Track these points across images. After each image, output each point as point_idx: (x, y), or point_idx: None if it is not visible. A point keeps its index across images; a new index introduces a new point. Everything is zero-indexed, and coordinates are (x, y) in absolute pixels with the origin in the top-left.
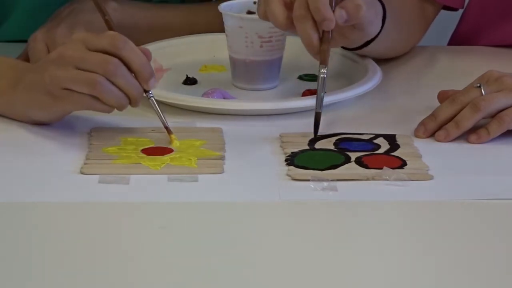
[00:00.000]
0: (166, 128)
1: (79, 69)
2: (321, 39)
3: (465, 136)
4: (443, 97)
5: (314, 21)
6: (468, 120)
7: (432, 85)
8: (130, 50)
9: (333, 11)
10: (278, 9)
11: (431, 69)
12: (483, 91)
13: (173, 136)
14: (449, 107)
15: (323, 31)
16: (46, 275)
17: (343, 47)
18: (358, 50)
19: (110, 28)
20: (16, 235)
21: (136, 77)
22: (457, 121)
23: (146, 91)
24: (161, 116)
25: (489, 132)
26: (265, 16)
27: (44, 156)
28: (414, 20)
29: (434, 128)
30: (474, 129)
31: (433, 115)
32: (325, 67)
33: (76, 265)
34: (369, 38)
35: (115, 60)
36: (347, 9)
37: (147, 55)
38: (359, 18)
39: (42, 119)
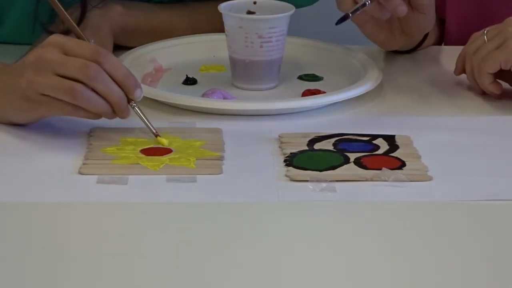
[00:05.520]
0: (154, 134)
1: (57, 74)
2: None
3: (465, 136)
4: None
5: None
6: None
7: (432, 85)
8: (111, 63)
9: None
10: None
11: (432, 69)
12: (486, 38)
13: (159, 138)
14: (461, 59)
15: None
16: (45, 275)
17: (398, 51)
18: (414, 51)
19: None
20: (14, 234)
21: (121, 89)
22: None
23: (129, 101)
24: (147, 124)
25: (479, 81)
26: None
27: (43, 156)
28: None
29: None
30: None
31: (460, 64)
32: None
33: (74, 265)
34: (431, 26)
35: (95, 65)
36: None
37: None
38: None
39: (20, 122)
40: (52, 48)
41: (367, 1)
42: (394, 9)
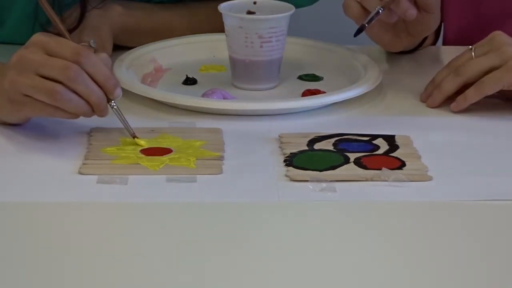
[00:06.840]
0: (132, 135)
1: (39, 74)
2: None
3: (465, 136)
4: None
5: None
6: (448, 83)
7: None
8: (92, 64)
9: None
10: None
11: (431, 69)
12: (473, 54)
13: (137, 140)
14: (444, 72)
15: None
16: (45, 275)
17: (398, 52)
18: (414, 51)
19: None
20: (14, 234)
21: (101, 89)
22: (440, 85)
23: (109, 100)
24: (125, 124)
25: (466, 98)
26: None
27: (43, 156)
28: None
29: (432, 91)
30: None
31: (432, 81)
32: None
33: (74, 265)
34: (437, 25)
35: (76, 66)
36: None
37: (107, 63)
38: None
39: (11, 122)
40: (35, 48)
41: (380, 9)
42: (403, 13)
